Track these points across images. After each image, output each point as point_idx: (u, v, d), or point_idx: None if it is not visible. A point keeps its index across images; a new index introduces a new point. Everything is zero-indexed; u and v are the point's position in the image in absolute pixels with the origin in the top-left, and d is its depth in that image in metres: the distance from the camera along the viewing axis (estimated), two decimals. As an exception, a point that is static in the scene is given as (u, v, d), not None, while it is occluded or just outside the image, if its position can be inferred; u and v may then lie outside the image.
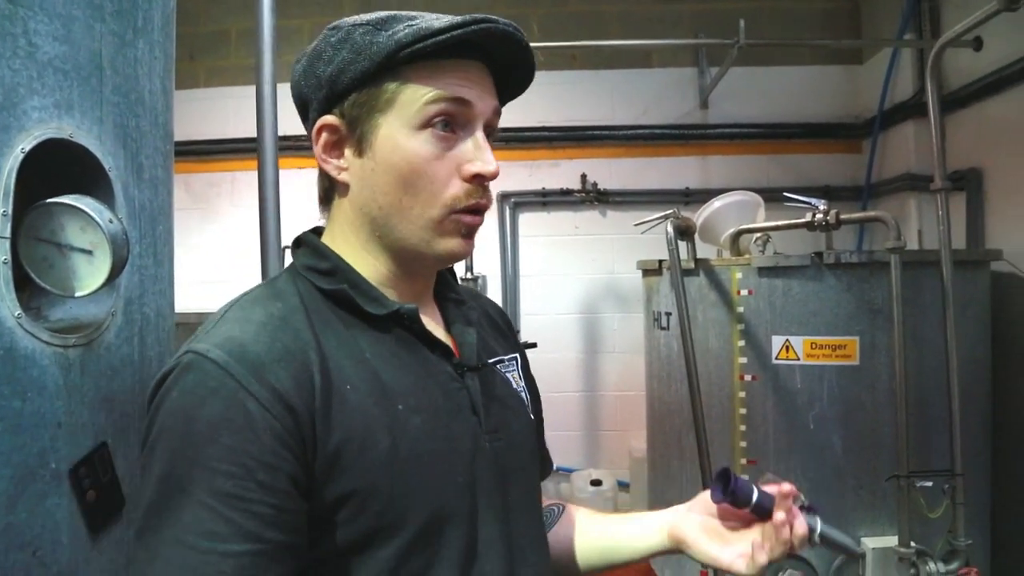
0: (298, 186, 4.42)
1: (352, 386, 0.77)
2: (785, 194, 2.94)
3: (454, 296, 0.98)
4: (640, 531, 1.05)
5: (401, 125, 0.81)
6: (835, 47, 4.49)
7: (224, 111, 4.52)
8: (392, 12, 0.82)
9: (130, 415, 1.08)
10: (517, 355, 1.05)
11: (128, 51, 1.11)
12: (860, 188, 4.39)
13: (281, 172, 4.26)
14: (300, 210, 4.34)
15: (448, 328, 0.95)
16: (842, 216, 2.79)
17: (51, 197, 0.97)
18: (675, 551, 1.01)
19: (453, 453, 0.83)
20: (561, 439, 4.27)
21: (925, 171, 3.59)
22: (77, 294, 0.99)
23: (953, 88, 3.68)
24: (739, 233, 3.10)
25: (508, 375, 0.99)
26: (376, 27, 0.80)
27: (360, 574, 0.75)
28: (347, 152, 0.85)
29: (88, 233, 0.98)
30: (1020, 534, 3.21)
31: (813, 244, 3.74)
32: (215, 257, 4.58)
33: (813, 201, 2.86)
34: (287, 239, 3.64)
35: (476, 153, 0.82)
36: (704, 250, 3.34)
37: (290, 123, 4.40)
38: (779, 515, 0.90)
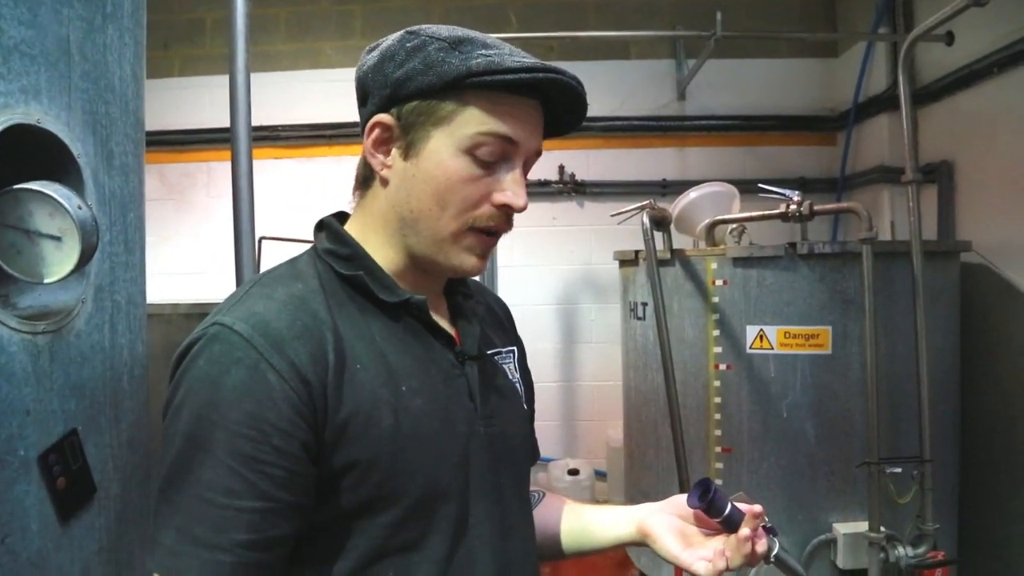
0: (274, 176, 4.44)
1: (362, 365, 0.84)
2: (760, 185, 2.97)
3: (463, 290, 1.03)
4: (612, 521, 1.10)
5: (450, 143, 0.85)
6: (811, 40, 4.52)
7: (199, 100, 4.48)
8: (468, 33, 0.87)
9: (101, 402, 1.07)
10: (515, 348, 1.12)
11: (97, 37, 1.10)
12: (835, 180, 4.44)
13: (256, 163, 4.23)
14: (277, 201, 4.34)
15: (453, 320, 1.01)
16: (816, 207, 2.82)
17: (19, 183, 0.96)
18: (641, 544, 1.06)
19: (450, 435, 0.89)
20: (539, 429, 4.28)
21: (898, 163, 3.64)
22: (46, 280, 0.98)
23: (926, 82, 3.73)
24: (714, 224, 3.12)
25: (505, 366, 1.06)
26: (452, 46, 0.85)
27: (358, 539, 0.82)
28: (394, 152, 0.89)
29: (57, 219, 0.97)
30: (986, 519, 3.27)
31: (789, 235, 3.76)
32: (190, 249, 4.55)
33: (787, 192, 2.89)
34: (262, 230, 3.63)
35: (511, 186, 0.88)
36: (680, 241, 3.36)
37: (265, 113, 4.34)
38: (745, 531, 0.94)
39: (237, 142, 1.80)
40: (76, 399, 1.03)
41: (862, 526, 2.74)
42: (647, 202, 3.02)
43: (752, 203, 3.21)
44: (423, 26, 0.89)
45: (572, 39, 4.38)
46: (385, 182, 0.91)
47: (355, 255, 0.91)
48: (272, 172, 4.49)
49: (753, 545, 0.95)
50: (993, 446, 3.25)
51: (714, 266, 2.95)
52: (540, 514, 1.14)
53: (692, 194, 3.32)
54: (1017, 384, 3.13)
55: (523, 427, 1.05)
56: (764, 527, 0.99)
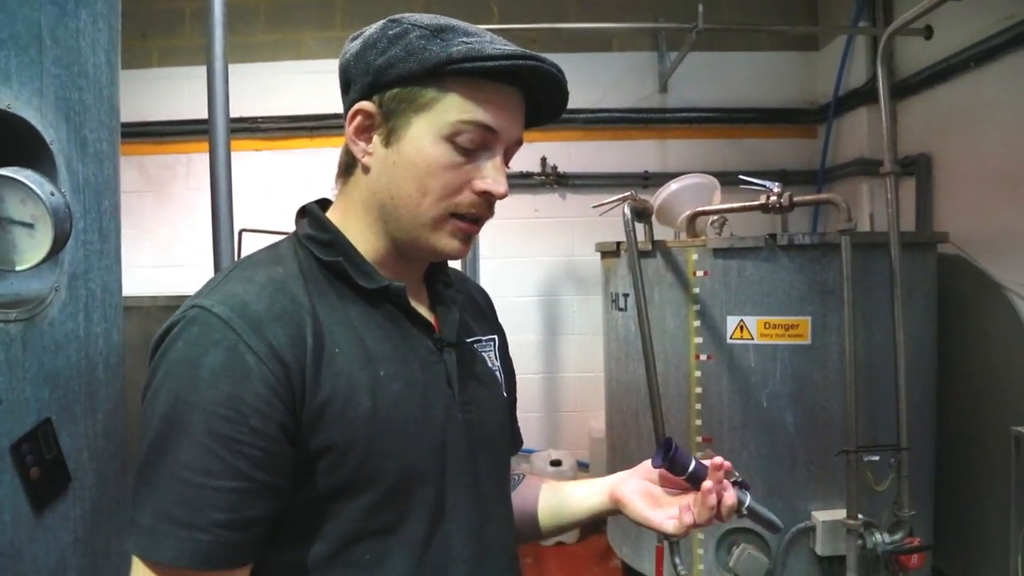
0: (254, 168, 4.40)
1: (340, 350, 0.84)
2: (741, 177, 2.98)
3: (443, 279, 1.04)
4: (585, 493, 1.13)
5: (430, 130, 0.86)
6: (792, 33, 4.54)
7: (179, 91, 4.43)
8: (451, 21, 0.88)
9: (75, 391, 1.06)
10: (495, 336, 1.12)
11: (70, 22, 1.09)
12: (815, 172, 4.47)
13: (236, 154, 4.20)
14: (257, 193, 4.31)
15: (433, 307, 1.01)
16: (795, 199, 2.83)
17: (-11, 170, 0.95)
18: (615, 511, 1.08)
19: (427, 420, 0.89)
20: (521, 420, 4.32)
21: (877, 156, 3.67)
22: (18, 268, 0.97)
23: (905, 75, 3.76)
24: (695, 215, 3.14)
25: (484, 354, 1.07)
26: (434, 33, 0.85)
27: (335, 522, 0.82)
28: (376, 139, 0.90)
29: (29, 206, 0.96)
30: (962, 505, 3.32)
31: (770, 227, 3.78)
32: (170, 241, 4.51)
33: (767, 184, 2.90)
34: (242, 222, 3.61)
35: (491, 173, 0.88)
36: (661, 232, 3.37)
37: (244, 104, 4.31)
38: (707, 484, 0.96)
39: (215, 132, 1.79)
40: (50, 388, 1.02)
41: (840, 513, 2.77)
42: (628, 193, 3.03)
43: (733, 195, 3.22)
44: (405, 14, 0.89)
45: (554, 31, 4.37)
46: (367, 169, 0.91)
47: (335, 241, 0.92)
48: (252, 164, 4.46)
49: (719, 498, 0.97)
50: (969, 434, 3.30)
51: (695, 257, 2.96)
52: (519, 495, 1.15)
53: (673, 185, 3.33)
54: (992, 373, 3.17)
55: (502, 414, 1.06)
56: (734, 482, 1.01)
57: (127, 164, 4.43)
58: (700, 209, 3.14)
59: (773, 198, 2.85)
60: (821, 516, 2.81)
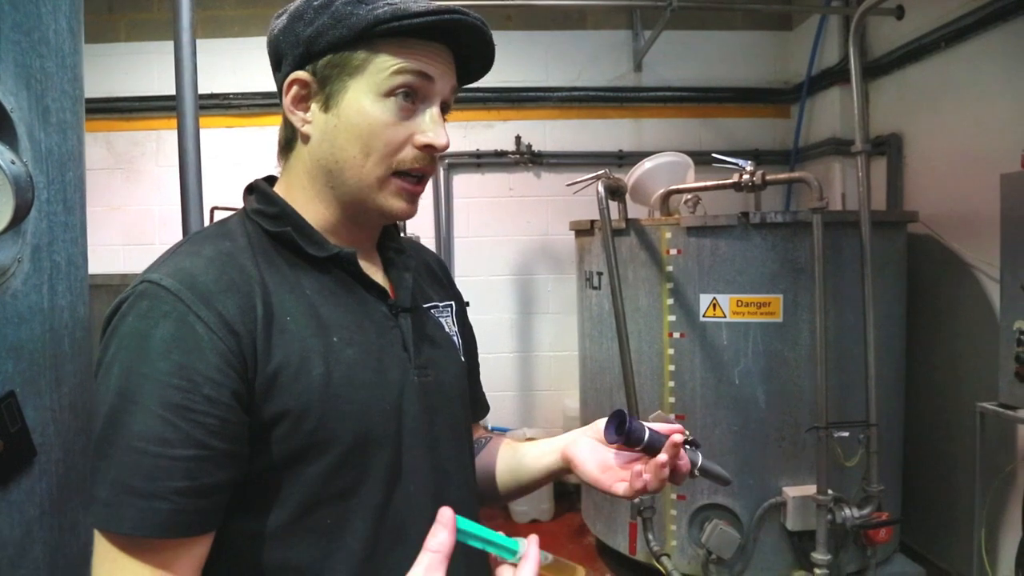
0: (226, 145, 4.34)
1: (292, 318, 0.85)
2: (714, 155, 2.99)
3: (395, 246, 1.05)
4: (539, 452, 1.13)
5: (368, 90, 0.88)
6: (765, 13, 4.55)
7: (147, 67, 4.34)
8: None
9: (40, 364, 1.04)
10: (452, 303, 1.13)
11: (29, -14, 1.06)
12: (788, 152, 4.50)
13: (208, 131, 4.12)
14: (229, 170, 4.25)
15: (388, 274, 1.02)
16: (768, 177, 2.85)
17: (-53, 137, 0.92)
18: (567, 471, 1.08)
19: (382, 383, 0.89)
20: (496, 399, 4.33)
21: (850, 136, 3.70)
22: (-22, 239, 0.95)
23: (877, 55, 3.79)
24: (668, 194, 3.15)
25: (442, 319, 1.07)
26: (358, 0, 0.87)
27: (294, 487, 0.82)
28: (313, 107, 0.91)
29: (-12, 175, 0.93)
30: (930, 480, 3.39)
31: (743, 206, 3.82)
32: (140, 219, 4.44)
33: (740, 162, 2.92)
34: (214, 200, 3.54)
35: (431, 126, 0.90)
36: (636, 211, 3.38)
37: (215, 80, 4.23)
38: (663, 457, 0.97)
39: (183, 104, 1.75)
40: (13, 361, 0.99)
41: (811, 489, 2.82)
42: (602, 172, 3.03)
43: (707, 174, 3.23)
44: None
45: (529, 8, 4.34)
46: (307, 138, 0.92)
47: (282, 213, 0.92)
48: (224, 141, 4.39)
49: (673, 469, 0.98)
50: (936, 410, 3.36)
51: (668, 235, 2.97)
52: (481, 458, 1.16)
53: (647, 164, 3.34)
54: (959, 351, 3.23)
55: (460, 378, 1.06)
56: (686, 441, 1.01)
57: (95, 141, 4.41)
58: (673, 188, 3.15)
59: (746, 176, 2.87)
60: (792, 492, 2.85)
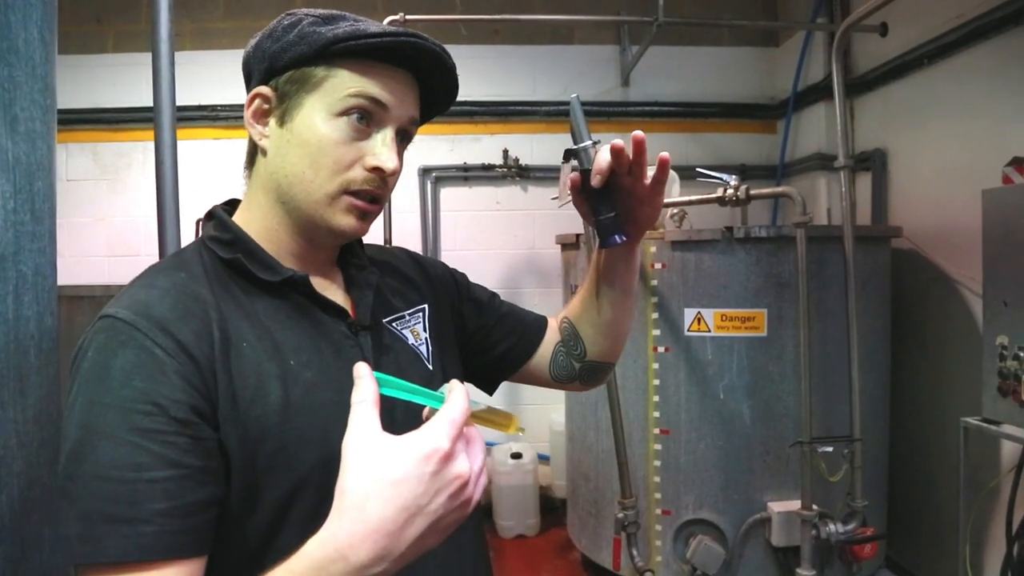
0: (213, 157, 4.33)
1: (248, 343, 0.85)
2: (698, 170, 3.00)
3: (356, 262, 1.05)
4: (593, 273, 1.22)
5: (322, 108, 0.89)
6: (752, 29, 4.58)
7: (135, 78, 4.30)
8: (343, 12, 0.93)
9: (4, 375, 1.02)
10: (424, 306, 1.12)
11: (-2, -6, 1.05)
12: (774, 167, 4.51)
13: (195, 143, 4.09)
14: (216, 182, 4.23)
15: (348, 291, 1.02)
16: (752, 192, 2.86)
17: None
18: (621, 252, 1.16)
19: (342, 403, 0.86)
20: (482, 414, 4.33)
21: (835, 151, 3.69)
22: (-60, 247, 0.94)
23: (861, 72, 3.82)
24: (654, 208, 3.14)
25: (407, 330, 1.06)
26: (324, 21, 0.90)
27: (256, 513, 0.82)
28: (272, 121, 0.93)
29: (-49, 183, 0.92)
30: (915, 495, 3.38)
31: (730, 221, 3.82)
32: (125, 230, 4.41)
33: (725, 177, 2.92)
34: (199, 211, 3.53)
35: (381, 149, 0.90)
36: (621, 225, 3.37)
37: (203, 92, 4.23)
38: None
39: (160, 115, 1.74)
40: (-24, 372, 0.98)
41: (795, 504, 2.81)
42: (588, 185, 3.02)
43: (694, 188, 3.24)
44: (302, 8, 0.94)
45: (517, 23, 4.36)
46: (264, 152, 0.94)
47: (236, 239, 0.93)
48: (212, 153, 4.38)
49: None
50: (921, 425, 3.36)
51: (653, 249, 2.97)
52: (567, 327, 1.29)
53: (633, 178, 3.34)
54: (944, 366, 3.23)
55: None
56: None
57: (81, 152, 4.39)
58: (659, 202, 3.15)
59: (730, 191, 2.87)
60: (776, 507, 2.84)
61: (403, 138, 0.95)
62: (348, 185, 0.90)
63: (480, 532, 1.09)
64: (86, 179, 4.41)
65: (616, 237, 1.03)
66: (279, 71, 0.91)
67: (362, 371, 0.71)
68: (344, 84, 0.88)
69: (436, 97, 0.99)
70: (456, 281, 1.25)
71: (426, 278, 1.19)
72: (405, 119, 0.93)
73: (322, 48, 0.87)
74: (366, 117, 0.90)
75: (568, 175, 1.04)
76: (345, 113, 0.88)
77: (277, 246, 0.94)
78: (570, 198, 1.09)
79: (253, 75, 0.95)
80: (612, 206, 1.02)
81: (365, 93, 0.88)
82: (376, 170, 0.90)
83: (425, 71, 0.94)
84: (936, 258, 3.25)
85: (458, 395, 0.71)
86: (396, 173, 0.92)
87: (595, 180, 1.01)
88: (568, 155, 1.05)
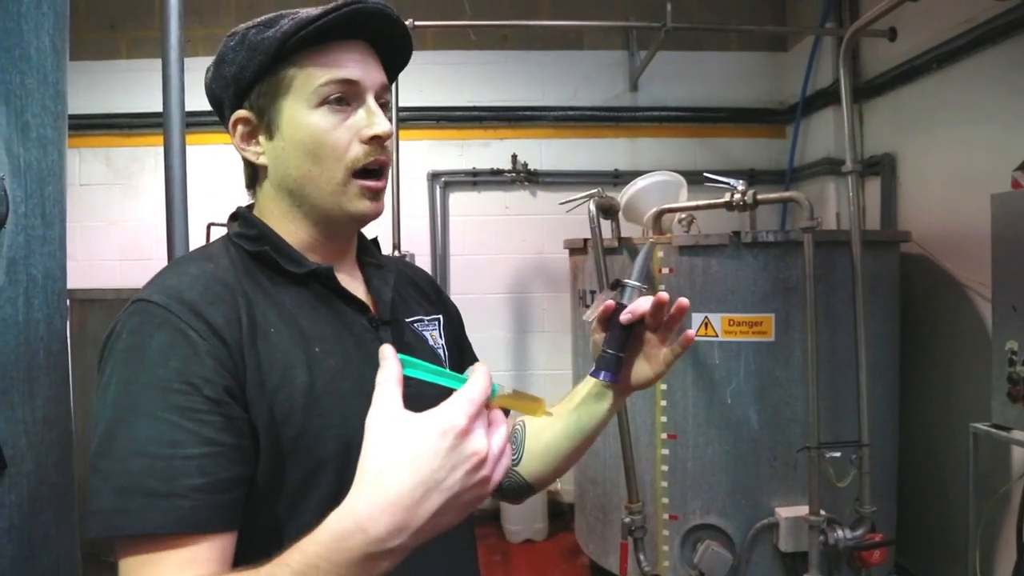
0: (228, 162, 4.34)
1: (275, 329, 0.88)
2: (706, 175, 3.00)
3: (374, 262, 1.09)
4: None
5: (301, 106, 0.92)
6: (760, 34, 4.58)
7: (148, 84, 4.33)
8: (279, 12, 0.95)
9: (13, 377, 1.04)
10: (440, 316, 1.16)
11: (10, 5, 1.07)
12: (783, 172, 4.51)
13: (209, 148, 4.11)
14: (231, 187, 4.26)
15: (368, 288, 1.05)
16: (759, 196, 2.86)
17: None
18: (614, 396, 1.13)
19: (362, 393, 0.88)
20: (490, 418, 4.35)
21: (843, 156, 3.70)
22: (-48, 251, 0.95)
23: (871, 76, 3.81)
24: (661, 212, 3.15)
25: (426, 333, 1.10)
26: (266, 26, 0.93)
27: (278, 493, 0.85)
28: (260, 138, 0.96)
29: (-37, 188, 0.94)
30: (924, 500, 3.36)
31: (738, 226, 3.81)
32: (137, 234, 4.45)
33: (732, 182, 2.93)
34: (214, 216, 3.54)
35: (369, 119, 0.93)
36: (629, 230, 3.38)
37: (204, 99, 4.28)
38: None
39: (170, 121, 1.77)
40: (-14, 374, 1.00)
41: (803, 510, 2.80)
42: (595, 191, 3.04)
43: (703, 193, 3.24)
44: (239, 25, 0.97)
45: (525, 28, 4.38)
46: (265, 169, 0.97)
47: (262, 235, 0.96)
48: (226, 157, 4.40)
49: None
50: (930, 430, 3.34)
51: (660, 254, 2.97)
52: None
53: (639, 183, 3.35)
54: (953, 371, 3.22)
55: (443, 390, 1.06)
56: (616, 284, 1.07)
57: (94, 157, 4.43)
58: (665, 207, 3.16)
59: (737, 196, 2.87)
60: (784, 512, 2.83)
61: (381, 103, 0.97)
62: (353, 165, 0.93)
63: (468, 539, 1.08)
64: (99, 184, 4.46)
65: (606, 373, 1.04)
66: (247, 89, 0.94)
67: (387, 352, 0.73)
68: (312, 77, 0.91)
69: (397, 55, 1.01)
70: (461, 321, 1.27)
71: (441, 299, 1.22)
72: (378, 86, 0.95)
73: (276, 50, 0.90)
74: (344, 98, 0.92)
75: (605, 300, 1.06)
76: (324, 102, 0.91)
77: (298, 245, 0.97)
78: (596, 319, 1.11)
79: (224, 104, 0.97)
80: (623, 347, 1.05)
81: (334, 78, 0.91)
82: (373, 139, 0.93)
83: (376, 34, 0.96)
84: (945, 263, 3.24)
85: (479, 376, 0.72)
86: (391, 135, 0.95)
87: (624, 317, 1.02)
88: (616, 284, 1.08)
